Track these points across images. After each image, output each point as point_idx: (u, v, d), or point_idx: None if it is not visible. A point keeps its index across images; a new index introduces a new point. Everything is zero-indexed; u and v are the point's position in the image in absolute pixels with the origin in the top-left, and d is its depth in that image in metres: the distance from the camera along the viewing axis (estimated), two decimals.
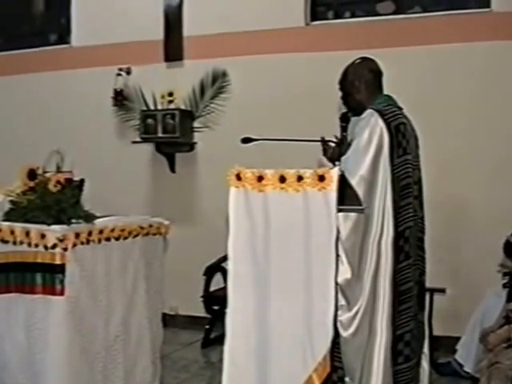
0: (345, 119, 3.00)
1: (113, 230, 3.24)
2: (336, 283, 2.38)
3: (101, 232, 3.17)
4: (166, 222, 3.64)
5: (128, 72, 5.58)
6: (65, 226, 3.02)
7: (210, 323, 5.04)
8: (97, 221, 3.19)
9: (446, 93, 4.79)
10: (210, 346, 4.96)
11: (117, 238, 3.27)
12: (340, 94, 3.08)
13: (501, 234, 4.13)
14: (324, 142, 3.04)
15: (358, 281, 2.66)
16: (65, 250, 2.97)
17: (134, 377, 3.41)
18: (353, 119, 2.99)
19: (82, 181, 3.51)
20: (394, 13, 5.14)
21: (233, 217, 2.44)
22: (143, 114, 5.40)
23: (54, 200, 3.10)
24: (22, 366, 3.06)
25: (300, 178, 2.35)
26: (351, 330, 2.64)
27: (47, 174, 3.27)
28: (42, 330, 2.99)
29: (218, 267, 5.12)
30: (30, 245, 3.03)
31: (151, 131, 5.34)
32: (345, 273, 2.61)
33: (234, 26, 5.30)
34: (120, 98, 5.59)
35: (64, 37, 6.16)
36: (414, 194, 2.86)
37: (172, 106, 5.35)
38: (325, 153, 3.05)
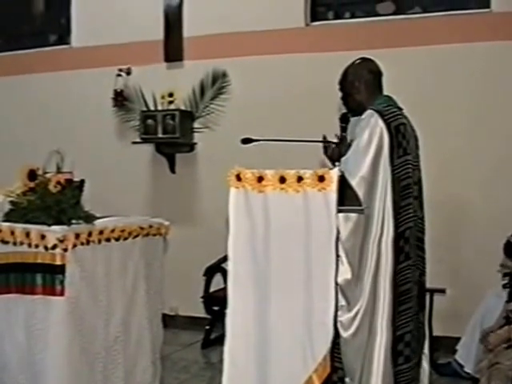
0: (344, 120, 3.00)
1: (113, 231, 3.24)
2: (336, 283, 2.38)
3: (101, 233, 3.17)
4: (166, 223, 3.64)
5: (128, 72, 5.58)
6: (65, 227, 3.02)
7: (210, 324, 5.04)
8: (97, 221, 3.19)
9: (446, 93, 4.80)
10: (210, 347, 4.96)
11: (117, 239, 3.27)
12: (340, 94, 3.08)
13: (501, 234, 4.13)
14: (325, 142, 3.04)
15: (358, 281, 2.66)
16: (65, 250, 2.97)
17: (134, 377, 3.41)
18: (352, 119, 3.00)
19: (82, 181, 3.52)
20: (394, 13, 5.14)
21: (233, 217, 2.44)
22: (143, 115, 5.40)
23: (54, 201, 3.10)
24: (22, 367, 3.06)
25: (300, 179, 2.35)
26: (351, 330, 2.64)
27: (47, 175, 3.27)
28: (42, 330, 2.99)
29: (218, 268, 5.12)
30: (30, 245, 3.03)
31: (151, 132, 5.34)
32: (345, 273, 2.61)
33: (234, 26, 5.30)
34: (120, 99, 5.59)
35: (64, 37, 6.16)
36: (414, 195, 2.87)
37: (172, 106, 5.35)
38: (325, 151, 3.05)
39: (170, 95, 5.33)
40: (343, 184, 2.42)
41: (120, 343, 3.29)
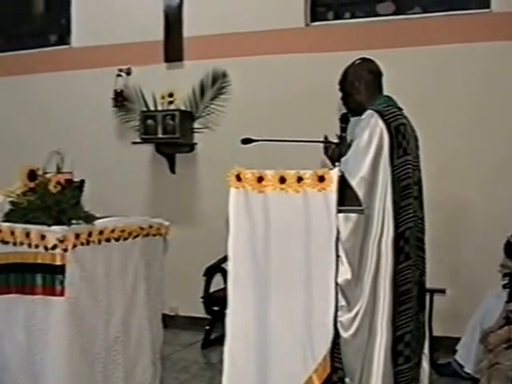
0: (344, 120, 3.00)
1: (113, 231, 3.24)
2: (336, 284, 2.38)
3: (101, 233, 3.17)
4: (166, 223, 3.64)
5: (128, 73, 5.58)
6: (65, 227, 3.02)
7: (210, 324, 5.04)
8: (97, 222, 3.19)
9: (446, 93, 4.80)
10: (210, 347, 4.96)
11: (117, 239, 3.27)
12: (340, 94, 3.08)
13: (501, 234, 4.13)
14: (325, 142, 3.04)
15: (358, 281, 2.66)
16: (65, 250, 2.97)
17: (134, 377, 3.41)
18: (352, 120, 3.00)
19: (82, 182, 3.51)
20: (394, 13, 5.14)
21: (233, 217, 2.43)
22: (143, 115, 5.40)
23: (54, 201, 3.10)
24: (22, 367, 3.06)
25: (300, 179, 2.35)
26: (351, 330, 2.64)
27: (47, 175, 3.27)
28: (42, 330, 2.99)
29: (218, 268, 5.12)
30: (30, 246, 3.03)
31: (151, 132, 5.34)
32: (345, 273, 2.61)
33: (234, 26, 5.30)
34: (120, 99, 5.59)
35: (64, 37, 6.16)
36: (414, 195, 2.86)
37: (172, 106, 5.35)
38: (325, 152, 3.05)
39: (170, 95, 5.33)
40: (343, 184, 2.42)
41: (120, 343, 3.29)
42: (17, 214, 3.17)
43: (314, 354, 2.31)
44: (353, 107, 3.02)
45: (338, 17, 5.34)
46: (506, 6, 4.69)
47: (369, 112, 2.82)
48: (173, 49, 5.57)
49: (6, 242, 3.12)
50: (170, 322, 4.70)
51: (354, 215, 2.61)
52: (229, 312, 2.44)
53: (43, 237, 2.99)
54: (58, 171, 3.28)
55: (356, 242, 2.65)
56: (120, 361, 3.30)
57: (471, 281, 4.66)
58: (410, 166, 2.84)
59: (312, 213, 2.34)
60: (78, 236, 3.03)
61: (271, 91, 5.20)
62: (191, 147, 5.54)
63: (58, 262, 2.97)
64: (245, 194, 2.41)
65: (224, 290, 2.63)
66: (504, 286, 3.91)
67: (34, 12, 6.45)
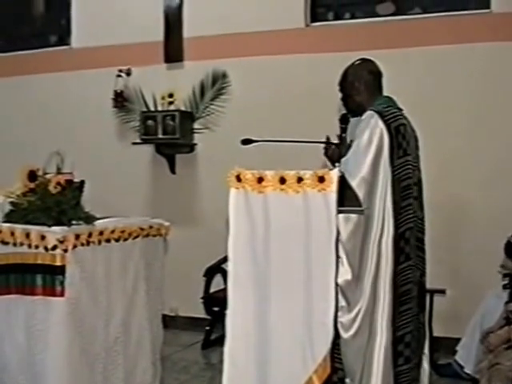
0: (345, 120, 3.00)
1: (113, 232, 3.24)
2: (336, 284, 2.38)
3: (101, 233, 3.17)
4: (166, 224, 3.64)
5: (128, 73, 5.58)
6: (65, 228, 3.02)
7: (210, 324, 5.04)
8: (97, 222, 3.19)
9: (446, 93, 4.80)
10: (210, 348, 4.96)
11: (117, 240, 3.27)
12: (340, 95, 3.08)
13: (501, 234, 4.13)
14: (325, 142, 3.04)
15: (358, 282, 2.66)
16: (65, 251, 2.97)
17: (134, 378, 3.41)
18: (352, 120, 3.00)
19: (82, 182, 3.51)
20: (394, 14, 5.14)
21: (233, 218, 2.44)
22: (143, 116, 5.40)
23: (55, 201, 3.10)
24: (22, 367, 3.06)
25: (300, 180, 2.35)
26: (352, 331, 2.64)
27: (47, 176, 3.27)
28: (42, 331, 2.99)
29: (218, 268, 5.12)
30: (30, 246, 3.03)
31: (151, 132, 5.34)
32: (345, 274, 2.61)
33: (234, 27, 5.30)
34: (120, 100, 5.59)
35: (64, 38, 6.16)
36: (414, 195, 2.87)
37: (172, 107, 5.35)
38: (326, 153, 3.05)
39: (170, 96, 5.33)
40: (343, 185, 2.42)
41: (120, 344, 3.29)
42: (17, 214, 3.17)
43: (314, 354, 2.31)
44: (353, 108, 3.02)
45: (337, 17, 5.34)
46: (506, 6, 4.69)
47: (369, 112, 2.82)
48: (173, 49, 5.57)
49: (6, 243, 3.11)
50: (170, 322, 4.71)
51: (354, 216, 2.61)
52: (229, 312, 2.44)
53: (43, 237, 2.99)
54: (58, 172, 3.28)
55: (356, 242, 2.65)
56: (120, 361, 3.29)
57: (471, 281, 4.66)
58: (410, 166, 2.84)
59: (312, 213, 2.34)
60: (78, 236, 3.03)
61: (271, 92, 5.20)
62: (191, 148, 5.55)
63: (58, 263, 2.97)
64: (245, 195, 2.41)
65: (224, 290, 2.63)
66: (504, 287, 3.91)
67: (34, 12, 6.46)
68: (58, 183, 3.17)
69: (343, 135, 2.97)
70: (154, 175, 5.71)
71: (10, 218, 3.19)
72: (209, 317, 5.12)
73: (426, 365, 2.97)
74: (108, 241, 3.22)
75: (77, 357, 3.04)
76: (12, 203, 3.23)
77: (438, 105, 4.76)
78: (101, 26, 5.75)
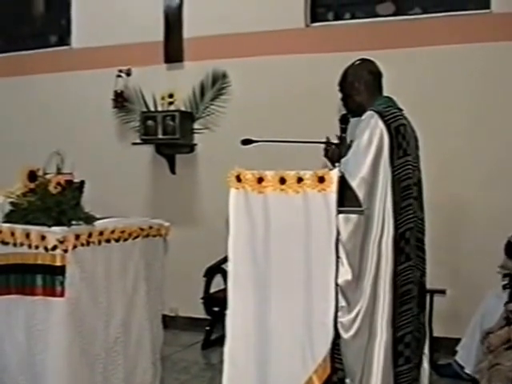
0: (344, 121, 3.00)
1: (113, 232, 3.24)
2: (336, 284, 2.38)
3: (101, 234, 3.17)
4: (166, 224, 3.64)
5: (128, 73, 5.58)
6: (65, 228, 3.02)
7: (211, 325, 5.04)
8: (97, 222, 3.19)
9: (446, 93, 4.80)
10: (210, 348, 4.96)
11: (117, 240, 3.27)
12: (340, 95, 3.08)
13: (501, 234, 4.13)
14: (325, 143, 3.04)
15: (358, 282, 2.66)
16: (65, 251, 2.97)
17: (134, 378, 3.41)
18: (352, 120, 3.00)
19: (82, 182, 3.51)
20: (394, 14, 5.14)
21: (233, 218, 2.43)
22: (143, 116, 5.40)
23: (55, 202, 3.10)
24: (22, 368, 3.06)
25: (300, 180, 2.35)
26: (352, 331, 2.64)
27: (47, 176, 3.27)
28: (42, 331, 2.99)
29: (218, 269, 5.12)
30: (30, 246, 3.03)
31: (151, 133, 5.34)
32: (345, 274, 2.61)
33: (234, 27, 5.30)
34: (120, 100, 5.59)
35: (64, 38, 6.16)
36: (414, 195, 2.86)
37: (172, 107, 5.35)
38: (326, 153, 3.05)
39: (170, 96, 5.33)
40: (343, 185, 2.42)
41: (120, 344, 3.29)
42: (17, 214, 3.17)
43: (314, 354, 2.31)
44: (353, 108, 3.02)
45: (338, 17, 5.34)
46: (505, 6, 4.69)
47: (369, 113, 2.82)
48: (173, 49, 5.57)
49: (6, 243, 3.11)
50: (170, 322, 4.71)
51: (354, 216, 2.61)
52: (229, 313, 2.44)
53: (43, 237, 2.99)
54: (58, 172, 3.28)
55: (356, 242, 2.65)
56: (120, 361, 3.29)
57: (471, 281, 4.66)
58: (410, 166, 2.84)
59: (312, 213, 2.34)
60: (78, 237, 3.03)
61: (271, 92, 5.20)
62: (191, 148, 5.55)
63: (58, 263, 2.97)
64: (245, 195, 2.41)
65: (224, 290, 2.63)
66: (504, 287, 3.91)
67: (34, 13, 6.46)
68: (58, 183, 3.17)
69: (343, 135, 2.97)
70: (154, 175, 5.71)
71: (10, 218, 3.19)
72: (209, 317, 5.12)
73: (426, 365, 2.97)
74: (108, 241, 3.22)
75: (77, 357, 3.04)
76: (12, 203, 3.24)
77: (438, 105, 4.77)
78: (101, 27, 5.75)
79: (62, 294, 2.97)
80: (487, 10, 4.79)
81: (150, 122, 5.34)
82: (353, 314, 2.65)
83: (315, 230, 2.34)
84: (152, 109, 5.47)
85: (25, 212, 3.14)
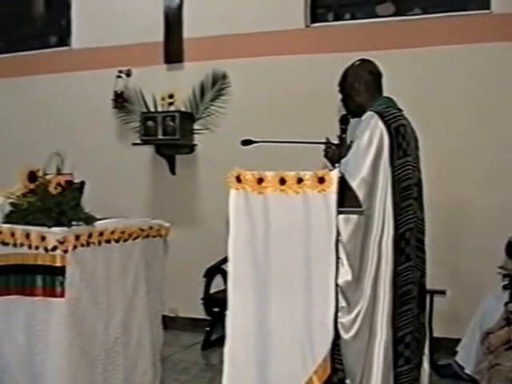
0: (344, 121, 3.00)
1: (113, 232, 3.24)
2: (336, 285, 2.38)
3: (101, 234, 3.17)
4: (167, 224, 3.64)
5: (128, 74, 5.58)
6: (65, 228, 3.02)
7: (211, 325, 5.04)
8: (97, 223, 3.19)
9: (446, 94, 4.80)
10: (210, 348, 4.96)
11: (117, 240, 3.27)
12: (340, 96, 3.08)
13: (501, 234, 4.13)
14: (325, 143, 3.04)
15: (358, 283, 2.66)
16: (65, 252, 2.97)
17: (134, 379, 3.41)
18: (352, 121, 3.00)
19: (82, 183, 3.51)
20: (394, 14, 5.13)
21: (233, 219, 2.44)
22: (143, 116, 5.40)
23: (55, 202, 3.10)
24: (22, 368, 3.06)
25: (300, 180, 2.35)
26: (352, 332, 2.64)
27: (47, 177, 3.27)
28: (42, 331, 2.99)
29: (218, 269, 5.12)
30: (30, 247, 3.03)
31: (151, 133, 5.34)
32: (345, 275, 2.61)
33: (234, 27, 5.30)
34: (120, 100, 5.59)
35: (64, 39, 6.16)
36: (414, 196, 2.87)
37: (172, 108, 5.35)
38: (326, 154, 3.05)
39: (170, 97, 5.33)
40: (343, 185, 2.42)
41: (120, 345, 3.29)
42: (17, 215, 3.17)
43: (314, 355, 2.31)
44: (353, 108, 3.02)
45: (337, 18, 5.34)
46: (505, 7, 4.69)
47: (369, 113, 2.82)
48: (173, 50, 5.57)
49: (6, 244, 3.11)
50: (170, 323, 4.71)
51: (354, 217, 2.61)
52: (229, 313, 2.44)
53: (43, 238, 2.99)
54: (58, 172, 3.28)
55: (356, 243, 2.65)
56: (120, 362, 3.29)
57: (471, 282, 4.66)
58: (410, 166, 2.84)
59: (312, 214, 2.34)
60: (78, 237, 3.03)
61: (271, 92, 5.20)
62: (191, 148, 5.55)
63: (58, 264, 2.97)
64: (245, 196, 2.41)
65: (224, 291, 2.63)
66: (504, 287, 3.91)
67: (34, 13, 6.46)
68: (58, 184, 3.17)
69: (343, 136, 2.97)
70: (154, 176, 5.72)
71: (10, 218, 3.20)
72: (209, 317, 5.12)
73: (426, 364, 2.97)
74: (108, 241, 3.22)
75: (77, 357, 3.04)
76: (12, 204, 3.24)
77: (438, 105, 4.77)
78: (101, 27, 5.75)
79: (62, 295, 2.97)
80: (487, 11, 4.79)
81: (150, 123, 5.34)
82: (353, 315, 2.65)
83: (315, 230, 2.34)
84: (152, 109, 5.47)
85: (25, 213, 3.14)
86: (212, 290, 5.14)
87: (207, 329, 5.03)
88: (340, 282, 2.51)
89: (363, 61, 3.06)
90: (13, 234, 3.09)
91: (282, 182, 2.37)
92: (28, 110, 6.06)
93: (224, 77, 5.38)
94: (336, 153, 2.97)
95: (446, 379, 4.22)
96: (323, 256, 2.34)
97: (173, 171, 5.64)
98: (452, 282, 4.67)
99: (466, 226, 4.78)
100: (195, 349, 5.01)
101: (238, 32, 5.29)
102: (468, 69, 4.74)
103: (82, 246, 3.06)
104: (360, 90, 2.98)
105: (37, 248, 3.01)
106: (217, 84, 5.40)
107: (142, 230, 3.44)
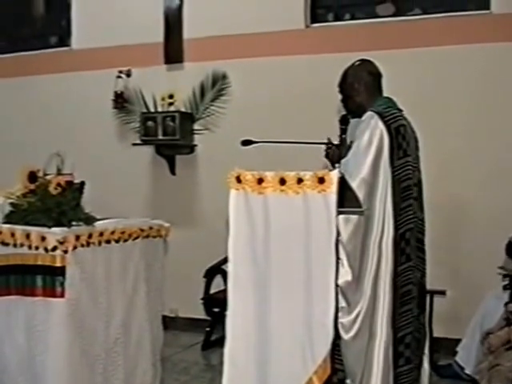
0: (344, 121, 3.00)
1: (113, 233, 3.24)
2: (336, 285, 2.38)
3: (101, 234, 3.17)
4: (167, 225, 3.64)
5: (128, 74, 5.58)
6: (65, 229, 3.02)
7: (211, 325, 5.04)
8: (97, 223, 3.19)
9: (446, 94, 4.80)
10: (210, 349, 4.96)
11: (117, 241, 3.27)
12: (340, 96, 3.08)
13: (501, 234, 4.13)
14: (325, 144, 3.04)
15: (358, 283, 2.66)
16: (65, 252, 2.97)
17: (134, 379, 3.41)
18: (352, 121, 3.00)
19: (82, 183, 3.51)
20: (394, 15, 5.13)
21: (233, 219, 2.44)
22: (143, 117, 5.40)
23: (55, 202, 3.10)
24: (22, 369, 3.06)
25: (300, 181, 2.35)
26: (352, 332, 2.64)
27: (48, 177, 3.27)
28: (42, 332, 2.99)
29: (218, 269, 5.12)
30: (30, 247, 3.03)
31: (151, 133, 5.34)
32: (345, 275, 2.61)
33: (234, 28, 5.30)
34: (120, 101, 5.59)
35: (64, 39, 6.16)
36: (414, 196, 2.87)
37: (172, 108, 5.35)
38: (327, 154, 3.05)
39: (170, 97, 5.33)
40: (343, 186, 2.42)
41: (120, 345, 3.29)
42: (17, 215, 3.17)
43: (314, 355, 2.31)
44: (353, 109, 3.02)
45: (338, 18, 5.34)
46: (505, 7, 4.69)
47: (369, 113, 2.83)
48: (173, 50, 5.57)
49: (6, 244, 3.11)
50: (170, 323, 4.71)
51: (354, 217, 2.61)
52: (229, 313, 2.44)
53: (43, 238, 2.99)
54: (59, 173, 3.28)
55: (357, 243, 2.65)
56: (120, 362, 3.29)
57: (471, 282, 4.66)
58: (410, 167, 2.84)
59: (312, 214, 2.34)
60: (78, 237, 3.03)
61: (271, 93, 5.20)
62: (191, 149, 5.55)
63: (58, 264, 2.97)
64: (245, 196, 2.41)
65: (224, 291, 2.64)
66: (504, 287, 3.91)
67: (34, 14, 6.46)
68: (58, 184, 3.17)
69: (343, 136, 2.97)
70: (154, 176, 5.72)
71: (10, 219, 3.19)
72: (209, 318, 5.12)
73: (426, 364, 2.97)
74: (108, 242, 3.21)
75: (77, 358, 3.04)
76: (12, 204, 3.24)
77: (438, 105, 4.77)
78: (101, 27, 5.75)
79: (62, 295, 2.97)
80: (487, 11, 4.79)
81: (150, 123, 5.34)
82: (353, 315, 2.65)
83: (315, 230, 2.34)
84: (152, 109, 5.47)
85: (25, 213, 3.14)
86: (212, 291, 5.14)
87: (207, 329, 5.03)
88: (340, 282, 2.52)
89: (363, 61, 3.06)
90: (13, 235, 3.09)
91: (282, 182, 2.37)
92: (28, 111, 6.06)
93: (224, 77, 5.38)
94: (336, 153, 2.97)
95: (446, 379, 4.22)
96: (323, 256, 2.34)
97: (173, 171, 5.64)
98: (452, 282, 4.66)
99: (465, 225, 4.78)
100: (195, 349, 5.01)
101: (238, 32, 5.29)
102: (468, 69, 4.74)
103: (82, 246, 3.06)
104: (360, 90, 2.98)
105: (37, 248, 3.01)
106: (217, 84, 5.40)
107: (142, 230, 3.44)
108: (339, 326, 2.56)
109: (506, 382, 3.20)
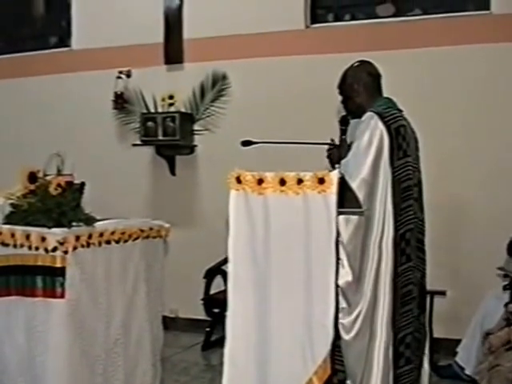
0: (344, 122, 3.00)
1: (113, 233, 3.24)
2: (337, 286, 2.38)
3: (101, 235, 3.17)
4: (167, 225, 3.64)
5: (128, 75, 5.58)
6: (65, 229, 3.02)
7: (211, 326, 5.04)
8: (97, 224, 3.19)
9: (446, 94, 4.80)
10: (210, 349, 4.96)
11: (117, 241, 3.27)
12: (340, 97, 3.08)
13: (501, 234, 4.13)
14: (325, 144, 3.04)
15: (358, 283, 2.66)
16: (65, 252, 2.97)
17: (134, 379, 3.41)
18: (352, 122, 3.00)
19: (82, 184, 3.51)
20: (394, 15, 5.14)
21: (233, 219, 2.44)
22: (143, 117, 5.40)
23: (55, 203, 3.10)
24: (22, 369, 3.06)
25: (300, 181, 2.35)
26: (352, 333, 2.64)
27: (48, 177, 3.27)
28: (42, 332, 2.99)
29: (218, 270, 5.12)
30: (30, 248, 3.03)
31: (151, 134, 5.34)
32: (346, 276, 2.61)
33: (234, 28, 5.30)
34: (120, 101, 5.59)
35: (64, 40, 6.16)
36: (415, 196, 2.87)
37: (172, 108, 5.35)
38: (329, 155, 3.05)
39: (170, 97, 5.33)
40: (343, 186, 2.42)
41: (120, 345, 3.29)
42: (17, 216, 3.17)
43: (314, 355, 2.31)
44: (352, 109, 3.02)
45: (337, 19, 5.34)
46: (505, 7, 4.69)
47: (369, 114, 2.83)
48: (173, 51, 5.57)
49: (6, 245, 3.11)
50: (170, 323, 4.71)
51: (355, 218, 2.61)
52: (229, 314, 2.44)
53: (43, 239, 2.99)
54: (59, 173, 3.29)
55: (357, 244, 2.66)
56: (120, 363, 3.29)
57: (471, 282, 4.66)
58: (410, 167, 2.85)
59: (312, 215, 2.34)
60: (78, 238, 3.03)
61: (271, 93, 5.20)
62: (191, 149, 5.55)
63: (59, 264, 2.97)
64: (245, 196, 2.41)
65: (224, 291, 2.64)
66: (505, 288, 3.91)
67: (34, 14, 6.46)
68: (59, 185, 3.17)
69: (343, 137, 2.97)
70: (154, 177, 5.72)
71: (10, 219, 3.19)
72: (209, 318, 5.12)
73: (426, 364, 2.97)
74: (108, 242, 3.22)
75: (77, 358, 3.04)
76: (12, 205, 3.24)
77: (438, 105, 4.77)
78: (101, 28, 5.75)
79: (62, 296, 2.97)
80: (487, 11, 4.79)
81: (150, 124, 5.34)
82: (353, 316, 2.65)
83: (315, 231, 2.34)
84: (152, 110, 5.47)
85: (25, 213, 3.14)
86: (212, 291, 5.13)
87: (207, 329, 5.03)
88: (340, 282, 2.52)
89: (362, 62, 3.06)
90: (13, 235, 3.09)
91: (282, 182, 2.37)
92: (28, 111, 6.06)
93: (224, 77, 5.38)
94: (336, 154, 2.97)
95: (446, 380, 4.22)
96: (323, 257, 2.34)
97: (173, 172, 5.64)
98: (452, 282, 4.67)
99: (465, 226, 4.78)
100: (195, 349, 5.01)
101: (238, 32, 5.30)
102: (468, 69, 4.75)
103: (82, 246, 3.06)
104: (359, 91, 2.99)
105: (37, 249, 3.01)
106: (217, 85, 5.40)
107: (142, 230, 3.44)
108: (340, 327, 2.56)
109: (506, 382, 3.20)
